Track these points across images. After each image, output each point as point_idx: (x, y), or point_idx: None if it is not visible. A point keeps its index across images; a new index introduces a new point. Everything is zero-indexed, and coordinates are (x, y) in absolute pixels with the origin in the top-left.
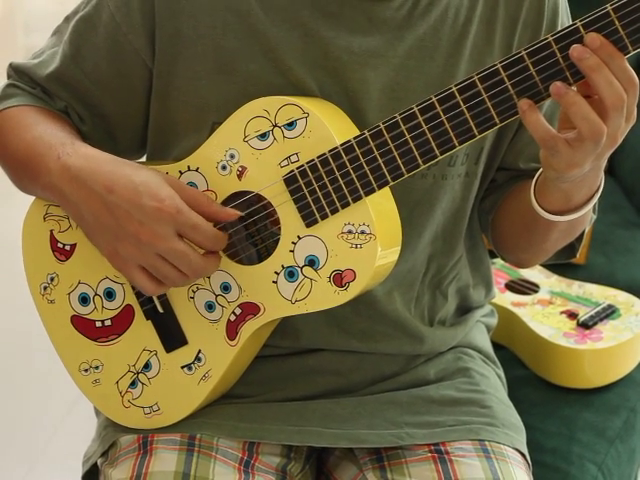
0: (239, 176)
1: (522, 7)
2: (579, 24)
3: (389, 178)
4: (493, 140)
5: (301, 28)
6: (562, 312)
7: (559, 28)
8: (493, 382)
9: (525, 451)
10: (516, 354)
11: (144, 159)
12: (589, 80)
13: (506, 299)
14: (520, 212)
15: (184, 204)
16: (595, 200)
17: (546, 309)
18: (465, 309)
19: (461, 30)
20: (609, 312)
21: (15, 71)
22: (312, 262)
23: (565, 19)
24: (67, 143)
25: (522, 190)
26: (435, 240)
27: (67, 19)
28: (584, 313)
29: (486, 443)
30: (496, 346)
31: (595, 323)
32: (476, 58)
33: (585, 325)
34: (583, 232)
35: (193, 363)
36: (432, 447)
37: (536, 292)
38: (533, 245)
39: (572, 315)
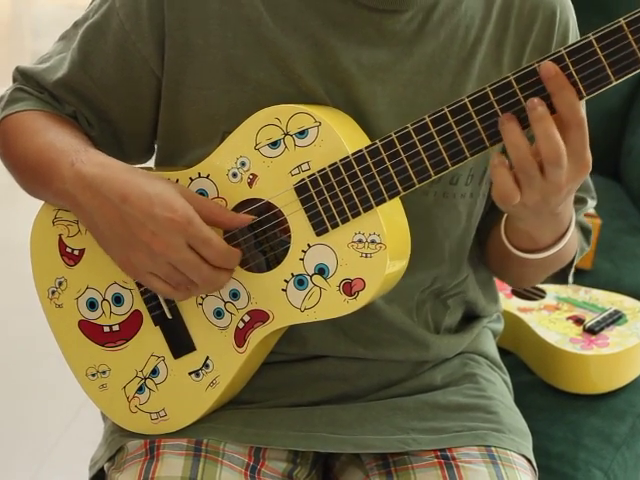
0: (250, 184)
1: (532, 30)
2: (592, 37)
3: (400, 188)
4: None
5: (311, 38)
6: (568, 318)
7: None
8: (499, 388)
9: (531, 457)
10: (522, 359)
11: (151, 164)
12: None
13: (512, 304)
14: (500, 241)
15: (197, 216)
16: (563, 243)
17: (552, 315)
18: (471, 318)
19: (470, 49)
20: (615, 318)
21: (22, 75)
22: (322, 271)
23: None
24: (80, 150)
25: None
26: (441, 263)
27: (76, 25)
28: (590, 319)
29: (492, 449)
30: (502, 351)
31: (601, 329)
32: (484, 78)
33: (591, 331)
34: (573, 260)
35: (201, 369)
36: (438, 453)
37: (542, 297)
38: (511, 274)
39: (578, 321)
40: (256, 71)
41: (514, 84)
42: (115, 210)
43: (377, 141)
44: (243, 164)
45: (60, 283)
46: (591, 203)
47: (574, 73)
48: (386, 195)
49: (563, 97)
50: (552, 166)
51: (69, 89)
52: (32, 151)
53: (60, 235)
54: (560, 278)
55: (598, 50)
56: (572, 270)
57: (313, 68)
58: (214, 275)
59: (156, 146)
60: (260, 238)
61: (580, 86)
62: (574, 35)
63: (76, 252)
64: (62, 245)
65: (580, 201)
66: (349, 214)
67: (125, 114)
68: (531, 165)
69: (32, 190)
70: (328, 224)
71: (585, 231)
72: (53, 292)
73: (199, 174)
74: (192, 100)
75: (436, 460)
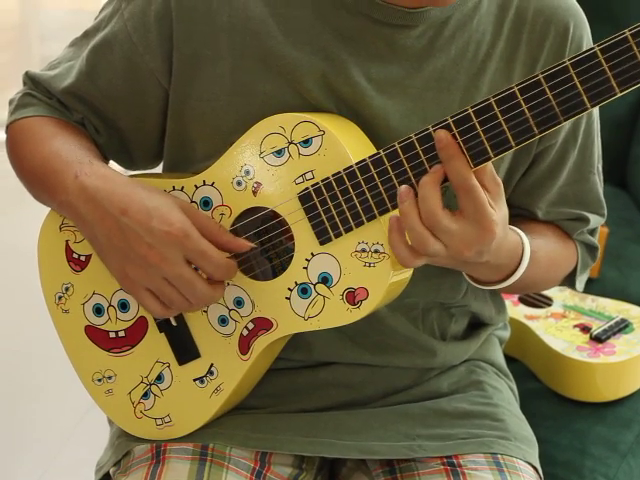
0: (254, 192)
1: (544, 47)
2: (597, 49)
3: None
4: (504, 175)
5: (322, 52)
6: (575, 326)
7: None
8: (506, 395)
9: (537, 465)
10: (529, 367)
11: (160, 170)
12: None
13: (519, 312)
14: None
15: (194, 230)
16: (512, 280)
17: (559, 322)
18: (478, 324)
19: (480, 65)
20: (622, 326)
21: (31, 80)
22: (325, 279)
23: None
24: (85, 162)
25: None
26: (441, 274)
27: (86, 34)
28: (597, 327)
29: (499, 456)
30: (509, 359)
31: (608, 337)
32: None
33: (598, 339)
34: (576, 269)
35: (205, 376)
36: (445, 460)
37: (549, 305)
38: None
39: (585, 329)
40: (264, 83)
41: (518, 95)
42: (114, 223)
43: (381, 151)
44: (247, 172)
45: (67, 289)
46: (596, 220)
47: (578, 84)
48: (389, 205)
49: (452, 166)
50: (432, 229)
51: (77, 97)
52: (38, 160)
53: (67, 241)
54: (567, 282)
55: (603, 61)
56: (579, 278)
57: (323, 82)
58: (208, 292)
59: (164, 154)
60: (266, 245)
61: (584, 97)
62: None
63: (82, 258)
64: (69, 251)
65: (579, 219)
66: (352, 223)
67: (132, 124)
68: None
69: (39, 197)
70: (331, 233)
71: (590, 248)
72: (60, 297)
73: (204, 182)
74: (199, 112)
75: (442, 467)
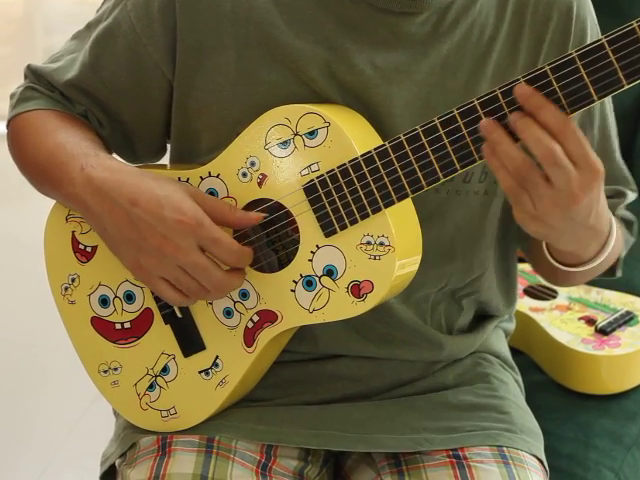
0: (259, 184)
1: (548, 28)
2: (604, 40)
3: (409, 190)
4: None
5: (326, 41)
6: (580, 318)
7: None
8: (511, 388)
9: (543, 457)
10: (534, 359)
11: (165, 161)
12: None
13: (524, 304)
14: (545, 259)
15: (207, 218)
16: (607, 252)
17: (564, 315)
18: (483, 317)
19: (485, 49)
20: (627, 319)
21: (33, 73)
22: (330, 272)
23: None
24: (90, 154)
25: None
26: (453, 260)
27: (89, 26)
28: (602, 319)
29: (504, 449)
30: (514, 351)
31: (613, 329)
32: (499, 77)
33: (603, 331)
34: (620, 257)
35: (211, 368)
36: (450, 452)
37: (554, 298)
38: (560, 281)
39: (590, 321)
40: (268, 72)
41: (500, 98)
42: (124, 214)
43: (386, 143)
44: (253, 164)
45: (73, 280)
46: (632, 195)
47: (585, 76)
48: (395, 197)
49: (544, 114)
50: (551, 167)
51: (80, 90)
52: (43, 153)
53: (73, 232)
54: (608, 274)
55: (610, 53)
56: (620, 264)
57: (327, 71)
58: (225, 279)
59: (169, 146)
60: (272, 237)
61: (591, 89)
62: (594, 33)
63: (89, 249)
64: (75, 242)
65: (618, 195)
66: (357, 215)
67: (136, 116)
68: (529, 170)
69: (44, 191)
70: (336, 225)
71: (628, 223)
72: (66, 288)
73: (209, 173)
74: (204, 103)
75: (448, 459)
